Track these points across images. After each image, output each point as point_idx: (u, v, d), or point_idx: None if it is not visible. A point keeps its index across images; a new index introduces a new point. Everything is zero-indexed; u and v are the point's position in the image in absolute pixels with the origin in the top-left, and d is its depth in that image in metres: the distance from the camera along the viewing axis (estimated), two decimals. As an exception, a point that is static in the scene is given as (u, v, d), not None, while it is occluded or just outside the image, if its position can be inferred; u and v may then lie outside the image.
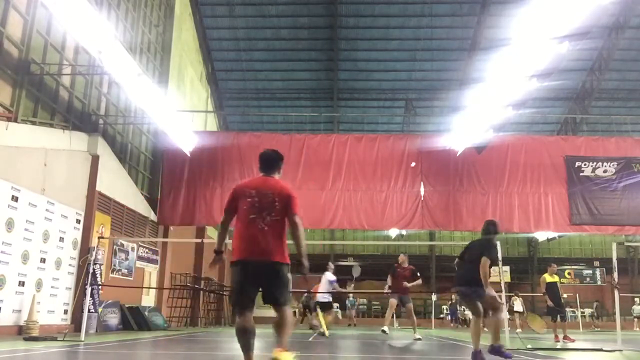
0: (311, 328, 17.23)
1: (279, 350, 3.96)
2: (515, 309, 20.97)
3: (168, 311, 17.74)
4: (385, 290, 12.09)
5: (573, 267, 31.98)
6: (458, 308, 25.13)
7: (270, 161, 4.39)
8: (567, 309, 20.04)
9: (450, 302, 26.12)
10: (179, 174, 16.86)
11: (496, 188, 17.00)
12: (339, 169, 16.91)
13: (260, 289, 4.00)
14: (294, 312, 26.39)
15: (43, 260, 11.01)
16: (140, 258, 16.01)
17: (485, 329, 6.07)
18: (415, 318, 11.63)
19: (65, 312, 11.99)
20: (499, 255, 9.05)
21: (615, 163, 17.20)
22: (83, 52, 12.71)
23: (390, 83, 25.56)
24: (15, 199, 9.96)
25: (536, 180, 17.07)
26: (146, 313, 14.80)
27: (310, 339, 11.03)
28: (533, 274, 30.31)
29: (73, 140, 12.14)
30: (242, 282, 3.93)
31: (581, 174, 17.08)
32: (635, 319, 23.30)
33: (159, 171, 17.55)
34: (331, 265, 13.68)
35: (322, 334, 12.04)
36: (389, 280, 11.69)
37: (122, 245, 14.79)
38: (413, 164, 16.94)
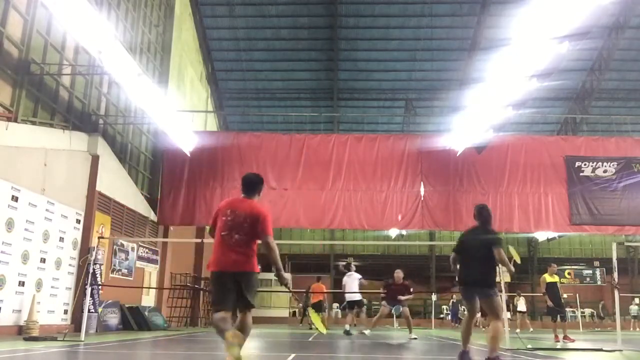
0: (311, 328, 17.23)
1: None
2: (518, 308, 20.95)
3: (168, 311, 17.75)
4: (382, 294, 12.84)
5: (573, 267, 32.00)
6: (459, 308, 25.11)
7: (251, 184, 4.86)
8: (567, 309, 20.04)
9: (452, 301, 26.10)
10: (179, 174, 16.86)
11: (496, 188, 17.00)
12: (339, 169, 16.92)
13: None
14: (294, 312, 26.40)
15: (43, 260, 11.01)
16: (140, 258, 16.02)
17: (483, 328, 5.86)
18: (411, 320, 12.04)
19: (65, 312, 11.99)
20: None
21: (615, 163, 17.20)
22: (83, 52, 12.71)
23: (390, 83, 25.57)
24: (15, 199, 9.96)
25: (536, 180, 17.08)
26: (146, 313, 14.80)
27: (310, 339, 11.03)
28: (533, 274, 30.30)
29: (73, 140, 12.14)
30: (217, 288, 4.57)
31: (581, 174, 17.09)
32: (632, 319, 23.28)
33: (159, 171, 17.56)
34: (353, 265, 14.32)
35: (362, 333, 12.53)
36: (383, 290, 12.62)
37: (122, 245, 14.79)
38: None
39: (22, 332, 9.96)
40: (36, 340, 8.69)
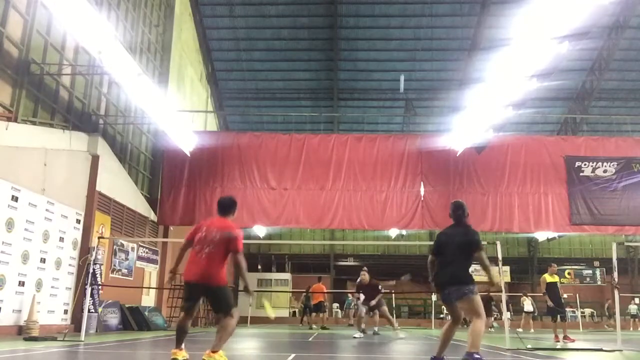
0: (311, 328, 17.24)
1: (210, 353, 4.86)
2: (525, 309, 20.86)
3: (168, 311, 17.73)
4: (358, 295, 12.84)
5: (573, 267, 31.96)
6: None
7: (225, 206, 5.41)
8: (567, 309, 20.03)
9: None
10: (179, 174, 16.87)
11: (496, 188, 17.01)
12: (339, 169, 16.92)
13: (202, 302, 5.52)
14: (294, 312, 26.36)
15: (43, 260, 11.01)
16: (140, 258, 16.02)
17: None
18: (390, 317, 12.27)
19: (65, 312, 11.99)
20: (499, 255, 9.09)
21: (615, 163, 17.20)
22: (83, 52, 12.72)
23: (390, 83, 25.52)
24: (15, 199, 9.96)
25: (536, 180, 17.08)
26: (146, 313, 14.81)
27: (310, 339, 11.03)
28: (533, 274, 30.28)
29: (73, 140, 12.14)
30: (187, 296, 5.26)
31: (581, 174, 17.09)
32: (632, 319, 23.26)
33: (159, 171, 17.56)
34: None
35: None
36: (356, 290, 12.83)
37: (122, 245, 14.79)
38: None
39: (22, 332, 9.96)
40: (36, 340, 8.70)
